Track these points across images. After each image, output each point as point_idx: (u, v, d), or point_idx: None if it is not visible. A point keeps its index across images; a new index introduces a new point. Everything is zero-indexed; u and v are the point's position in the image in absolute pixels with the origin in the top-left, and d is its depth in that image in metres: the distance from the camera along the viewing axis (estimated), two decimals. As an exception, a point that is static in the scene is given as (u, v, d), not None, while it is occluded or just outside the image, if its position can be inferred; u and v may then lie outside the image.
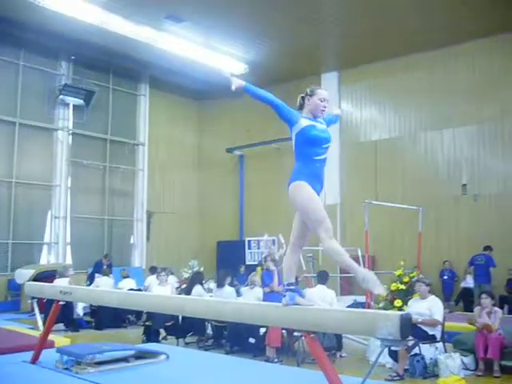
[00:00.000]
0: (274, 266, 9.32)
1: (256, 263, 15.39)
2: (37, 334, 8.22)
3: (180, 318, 9.27)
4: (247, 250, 16.84)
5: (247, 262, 16.00)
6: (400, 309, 7.84)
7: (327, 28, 13.98)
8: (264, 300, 8.61)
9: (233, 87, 4.11)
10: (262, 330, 8.51)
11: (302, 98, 4.33)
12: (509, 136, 13.77)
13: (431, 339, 7.47)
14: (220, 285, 9.67)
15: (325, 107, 4.18)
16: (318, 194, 3.94)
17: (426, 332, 7.42)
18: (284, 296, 3.85)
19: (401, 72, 15.35)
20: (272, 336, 8.18)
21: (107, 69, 17.02)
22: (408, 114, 15.43)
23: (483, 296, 7.85)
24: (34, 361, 6.09)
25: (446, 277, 13.96)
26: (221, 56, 15.39)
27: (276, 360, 8.11)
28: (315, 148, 4.00)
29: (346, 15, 13.18)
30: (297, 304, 3.75)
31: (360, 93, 16.32)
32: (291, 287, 3.88)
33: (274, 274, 9.33)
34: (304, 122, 4.05)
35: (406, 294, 8.18)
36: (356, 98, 16.41)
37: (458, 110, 14.47)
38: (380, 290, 3.54)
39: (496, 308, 7.86)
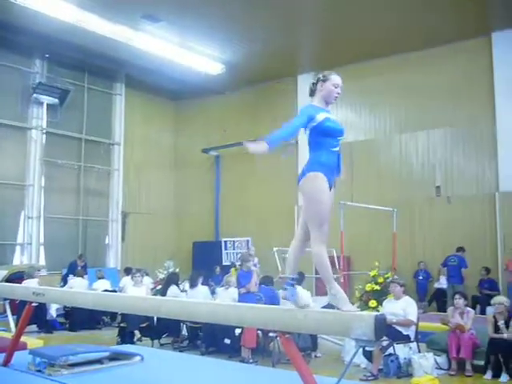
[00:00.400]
0: (252, 267, 9.35)
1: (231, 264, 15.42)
2: (9, 335, 8.09)
3: (155, 319, 9.23)
4: (223, 251, 16.82)
5: (224, 263, 15.99)
6: (375, 309, 7.91)
7: (303, 29, 14.05)
8: (239, 301, 8.62)
9: (250, 150, 3.69)
10: (238, 331, 8.52)
11: (314, 83, 4.11)
12: (482, 138, 13.98)
13: (405, 339, 7.56)
14: (193, 285, 9.67)
15: (338, 93, 4.06)
16: (331, 187, 3.86)
17: (400, 332, 7.50)
18: (285, 289, 3.74)
19: (376, 74, 15.47)
20: (247, 337, 8.19)
21: (82, 67, 16.84)
22: (383, 115, 15.58)
23: (456, 296, 7.97)
24: (6, 363, 5.99)
25: (420, 277, 14.11)
26: (197, 56, 15.34)
27: (251, 360, 8.11)
28: (331, 140, 3.93)
29: (323, 17, 13.24)
30: (295, 302, 3.66)
31: (336, 94, 16.39)
32: (293, 282, 3.75)
33: (251, 274, 9.35)
34: (320, 116, 3.88)
35: (381, 295, 8.26)
36: (332, 100, 16.48)
37: (432, 112, 14.65)
38: (349, 307, 3.52)
39: (468, 308, 8.00)
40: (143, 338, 9.39)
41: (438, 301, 13.56)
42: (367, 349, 7.10)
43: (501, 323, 7.28)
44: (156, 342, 9.45)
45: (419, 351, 7.63)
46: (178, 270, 12.72)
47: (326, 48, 14.95)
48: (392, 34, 13.78)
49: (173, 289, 9.76)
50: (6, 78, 15.18)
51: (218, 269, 14.95)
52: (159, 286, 11.21)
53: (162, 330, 9.46)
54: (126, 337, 9.46)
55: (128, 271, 12.93)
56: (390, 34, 13.78)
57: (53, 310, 11.47)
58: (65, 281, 13.12)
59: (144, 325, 9.40)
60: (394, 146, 15.32)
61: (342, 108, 16.24)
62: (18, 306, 9.49)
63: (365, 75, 15.65)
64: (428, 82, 14.71)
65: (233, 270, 13.77)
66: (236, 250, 16.14)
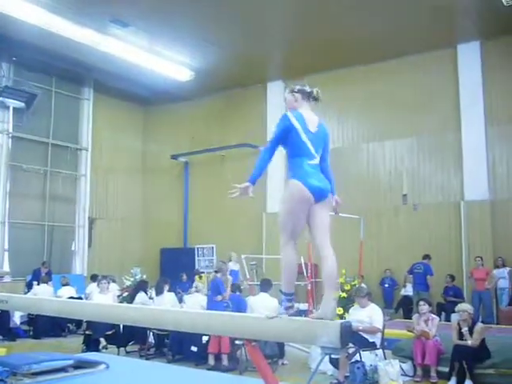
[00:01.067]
0: (229, 276, 9.36)
1: (205, 270, 15.38)
2: (-30, 344, 7.93)
3: (121, 326, 9.13)
4: (196, 258, 16.77)
5: (200, 270, 15.94)
6: (341, 317, 7.96)
7: (273, 37, 14.13)
8: (208, 308, 8.59)
9: (238, 194, 3.91)
10: (205, 339, 8.49)
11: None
12: (447, 147, 14.24)
13: (371, 346, 7.62)
14: (159, 292, 9.60)
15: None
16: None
17: (366, 339, 7.56)
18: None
19: (344, 83, 15.63)
20: (212, 342, 8.20)
21: (50, 71, 16.59)
22: (351, 124, 15.75)
23: (421, 303, 8.08)
24: (-34, 372, 5.85)
25: (386, 285, 14.26)
26: (166, 62, 15.28)
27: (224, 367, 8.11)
28: None
29: (291, 25, 13.35)
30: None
31: (305, 103, 16.50)
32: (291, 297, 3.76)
33: (226, 283, 9.36)
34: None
35: (347, 302, 8.32)
36: (301, 108, 16.59)
37: (399, 121, 14.89)
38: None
39: (433, 315, 8.11)
40: (109, 346, 9.28)
41: (404, 308, 13.70)
42: (334, 356, 7.14)
43: (464, 330, 7.40)
44: (122, 349, 9.35)
45: (385, 358, 7.71)
46: (145, 276, 12.64)
47: (294, 56, 15.06)
48: (358, 44, 13.96)
49: (141, 295, 9.69)
50: (-29, 81, 14.89)
51: (184, 276, 14.87)
52: (126, 293, 11.11)
53: (128, 337, 9.37)
54: (91, 344, 9.33)
55: (94, 278, 12.77)
56: (356, 44, 13.95)
57: (16, 318, 11.27)
58: (29, 288, 12.89)
59: (110, 332, 9.29)
60: (362, 154, 15.49)
61: (311, 116, 16.34)
62: (-20, 314, 9.31)
63: (332, 84, 15.76)
64: (395, 91, 14.94)
65: (197, 277, 13.76)
66: (205, 257, 16.09)
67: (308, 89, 4.03)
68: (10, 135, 15.73)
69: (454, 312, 9.76)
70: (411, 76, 14.79)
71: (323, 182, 3.82)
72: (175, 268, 15.56)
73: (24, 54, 15.36)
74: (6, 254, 15.46)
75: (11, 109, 15.62)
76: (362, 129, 15.59)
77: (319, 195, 3.76)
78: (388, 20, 12.79)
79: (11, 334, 10.86)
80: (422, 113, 14.53)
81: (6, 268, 15.12)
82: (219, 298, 9.14)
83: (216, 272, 9.59)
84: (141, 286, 10.17)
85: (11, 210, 15.55)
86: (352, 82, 15.57)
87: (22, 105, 15.53)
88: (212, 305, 8.87)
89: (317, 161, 3.85)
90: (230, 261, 12.98)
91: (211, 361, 8.31)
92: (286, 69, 16.16)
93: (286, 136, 3.85)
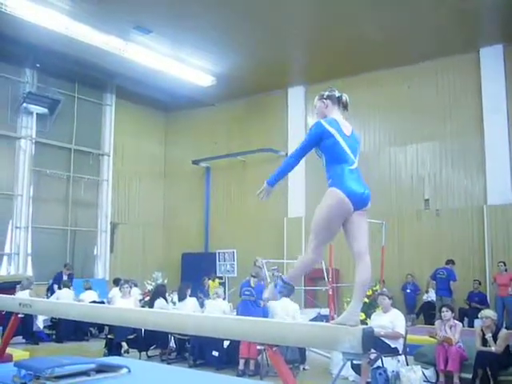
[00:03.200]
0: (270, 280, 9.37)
1: (225, 275, 15.38)
2: (-6, 347, 8.01)
3: (143, 330, 9.17)
4: (217, 262, 16.77)
5: (218, 274, 15.93)
6: (363, 322, 7.90)
7: (294, 42, 14.14)
8: (250, 313, 8.49)
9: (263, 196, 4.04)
10: (226, 343, 8.49)
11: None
12: (470, 151, 14.09)
13: (393, 352, 7.55)
14: (182, 297, 9.62)
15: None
16: None
17: (388, 345, 7.50)
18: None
19: (366, 87, 15.56)
20: (243, 347, 8.20)
21: (73, 78, 16.81)
22: (373, 129, 15.66)
23: (443, 309, 8.00)
24: (-9, 375, 5.92)
25: (408, 290, 14.13)
26: (188, 68, 15.37)
27: (251, 373, 8.11)
28: None
29: (313, 30, 13.33)
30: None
31: (326, 107, 16.46)
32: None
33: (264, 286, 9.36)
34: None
35: (369, 308, 8.26)
36: (322, 113, 16.55)
37: (421, 126, 14.76)
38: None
39: (456, 321, 8.02)
40: (131, 350, 9.32)
41: (426, 313, 13.57)
42: (355, 362, 7.09)
43: (488, 336, 7.30)
44: (143, 353, 9.39)
45: (407, 364, 7.63)
46: (166, 281, 12.69)
47: (315, 61, 15.05)
48: (382, 48, 13.89)
49: (160, 301, 9.72)
50: (-4, 88, 15.14)
51: (205, 280, 14.90)
52: (147, 298, 11.16)
53: (149, 341, 9.40)
54: (113, 348, 9.39)
55: (117, 282, 12.85)
56: (379, 48, 13.88)
57: (39, 321, 11.37)
58: (51, 292, 13.01)
59: (132, 336, 9.34)
60: (384, 158, 15.39)
61: (332, 121, 16.29)
62: (3, 317, 9.39)
63: (354, 88, 15.67)
64: (417, 96, 14.84)
65: (210, 282, 13.77)
66: (226, 262, 16.08)
67: (337, 93, 3.99)
68: (34, 141, 15.95)
69: (476, 318, 9.67)
70: (434, 80, 14.68)
71: (365, 189, 3.74)
72: (196, 273, 15.59)
73: (48, 60, 15.58)
74: (30, 258, 15.67)
75: (35, 115, 15.85)
76: (384, 133, 15.49)
77: (361, 203, 3.70)
78: (410, 23, 12.71)
79: (34, 338, 10.97)
80: (445, 117, 14.41)
81: (30, 272, 15.30)
82: (262, 303, 9.16)
83: (253, 277, 9.57)
84: (159, 292, 10.19)
85: (34, 215, 15.75)
86: (374, 87, 15.49)
87: (46, 111, 15.76)
88: (252, 310, 8.81)
89: (356, 165, 3.78)
90: (255, 265, 12.98)
91: (241, 365, 8.31)
92: (307, 74, 16.15)
93: (322, 143, 3.76)
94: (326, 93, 3.99)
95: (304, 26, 13.16)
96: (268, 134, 17.18)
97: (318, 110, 3.98)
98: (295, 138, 16.67)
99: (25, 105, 15.42)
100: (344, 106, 3.96)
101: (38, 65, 15.82)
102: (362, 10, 12.20)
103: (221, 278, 14.98)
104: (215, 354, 8.59)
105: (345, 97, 3.97)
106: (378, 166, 15.40)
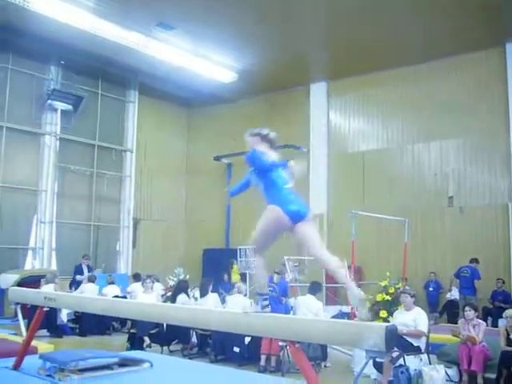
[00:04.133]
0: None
1: (244, 271, 15.41)
2: (19, 339, 8.13)
3: (165, 325, 9.23)
4: (238, 258, 16.78)
5: (239, 271, 15.98)
6: (385, 320, 7.85)
7: (316, 39, 14.08)
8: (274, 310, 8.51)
9: None
10: (247, 339, 8.50)
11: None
12: (495, 148, 13.91)
13: (416, 350, 7.49)
14: (203, 293, 9.65)
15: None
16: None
17: (410, 343, 7.43)
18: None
19: (389, 84, 15.46)
20: (265, 343, 8.21)
21: (96, 74, 16.97)
22: (396, 125, 15.53)
23: (467, 308, 7.90)
24: (16, 367, 6.01)
25: (431, 288, 14.02)
26: (210, 64, 15.41)
27: (273, 369, 8.12)
28: None
29: (335, 26, 13.27)
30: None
31: (348, 104, 16.40)
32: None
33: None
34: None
35: (392, 305, 8.19)
36: (344, 109, 16.50)
37: (445, 122, 14.59)
38: None
39: (480, 320, 7.92)
40: (153, 345, 9.38)
41: (449, 312, 13.44)
42: (378, 359, 7.05)
43: (513, 336, 7.21)
44: (165, 348, 9.45)
45: (430, 363, 7.56)
46: (188, 276, 12.75)
47: (337, 58, 14.97)
48: (405, 44, 13.76)
49: (182, 297, 9.76)
50: (22, 85, 15.33)
51: (226, 276, 14.97)
52: (169, 293, 11.23)
53: (171, 336, 9.45)
54: (135, 343, 9.46)
55: (137, 277, 12.93)
56: (403, 44, 13.76)
57: (63, 315, 11.50)
58: (76, 285, 13.14)
59: (154, 331, 9.40)
60: (407, 155, 15.26)
61: (355, 117, 16.24)
62: (29, 311, 9.53)
63: (378, 85, 15.66)
64: (441, 91, 14.69)
65: (235, 267, 13.84)
66: (247, 258, 16.08)
67: (265, 132, 4.51)
68: (58, 137, 16.14)
69: (500, 317, 9.55)
70: (458, 76, 14.50)
71: (301, 206, 4.17)
72: (217, 268, 15.64)
73: (71, 57, 15.77)
74: (54, 252, 15.88)
75: (59, 111, 16.05)
76: (407, 130, 15.35)
77: (298, 217, 4.09)
78: (434, 20, 12.57)
79: (58, 331, 11.10)
80: (469, 113, 14.22)
81: (54, 266, 15.51)
82: (284, 300, 9.17)
83: (277, 273, 9.56)
84: (181, 287, 10.23)
85: (58, 210, 15.95)
86: (397, 83, 15.36)
87: (70, 107, 15.93)
88: (275, 307, 8.82)
89: (290, 185, 4.26)
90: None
91: (262, 361, 8.32)
92: (329, 70, 16.08)
93: (258, 168, 4.38)
94: (255, 131, 4.56)
95: (327, 22, 13.12)
96: (289, 130, 17.10)
97: (249, 144, 4.59)
98: (317, 135, 16.64)
99: (49, 101, 15.61)
100: (270, 142, 4.50)
101: (62, 62, 16.01)
102: (386, 6, 12.10)
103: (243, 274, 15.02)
104: (236, 349, 8.61)
105: (272, 134, 4.49)
106: (401, 163, 15.29)
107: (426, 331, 7.59)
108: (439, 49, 13.98)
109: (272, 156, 4.36)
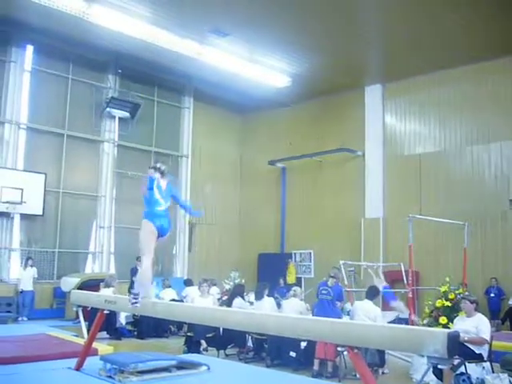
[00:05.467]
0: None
1: (300, 276, 15.41)
2: (81, 341, 8.35)
3: (221, 329, 9.28)
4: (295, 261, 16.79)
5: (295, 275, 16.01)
6: (445, 326, 7.66)
7: (371, 41, 13.91)
8: (327, 314, 8.45)
9: None
10: (303, 344, 8.45)
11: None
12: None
13: (478, 358, 7.26)
14: (258, 297, 9.65)
15: None
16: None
17: (472, 351, 7.21)
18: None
19: (446, 84, 15.11)
20: (319, 348, 8.15)
21: (152, 82, 17.33)
22: (453, 127, 15.15)
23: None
24: (78, 368, 6.19)
25: (492, 294, 13.58)
26: (264, 69, 15.46)
27: (329, 374, 8.04)
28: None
29: (390, 28, 13.09)
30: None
31: (404, 106, 16.13)
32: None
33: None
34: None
35: (452, 312, 7.98)
36: (400, 111, 16.23)
37: (505, 123, 14.14)
38: None
39: (546, 328, 7.61)
40: (209, 348, 9.45)
41: (511, 319, 12.99)
42: (439, 366, 6.87)
43: None
44: (221, 352, 9.50)
45: (493, 371, 7.31)
46: (243, 281, 12.80)
47: (393, 59, 14.77)
48: (461, 43, 13.43)
49: (238, 301, 9.80)
50: (82, 93, 15.84)
51: (281, 281, 14.98)
52: (225, 297, 11.29)
53: (227, 340, 9.49)
54: (192, 346, 9.55)
55: (188, 283, 13.00)
56: (459, 43, 13.44)
57: (122, 318, 11.74)
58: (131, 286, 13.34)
59: (210, 335, 9.46)
60: (465, 157, 14.86)
61: (411, 119, 15.95)
62: (89, 313, 9.78)
63: (434, 86, 15.33)
64: (501, 91, 14.24)
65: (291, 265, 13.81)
66: (303, 263, 16.06)
67: (158, 165, 5.95)
68: (116, 144, 16.55)
69: None
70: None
71: (165, 223, 5.73)
72: (272, 273, 15.67)
73: (128, 65, 16.18)
74: (112, 257, 16.26)
75: (117, 119, 16.46)
76: (465, 131, 14.93)
77: (162, 231, 5.69)
78: (493, 18, 12.21)
79: (117, 334, 11.34)
80: (531, 113, 13.74)
81: (113, 270, 15.87)
82: (339, 304, 9.11)
83: (332, 277, 9.51)
84: (237, 291, 10.27)
85: (117, 215, 16.33)
86: (454, 83, 14.99)
87: (127, 114, 16.33)
88: (329, 310, 8.77)
89: (164, 207, 5.77)
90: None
91: (316, 366, 8.25)
92: (384, 72, 15.87)
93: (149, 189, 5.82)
94: (152, 165, 6.02)
95: (381, 23, 12.95)
96: (344, 133, 17.00)
97: (149, 174, 5.92)
98: (372, 138, 16.43)
99: (108, 109, 16.04)
100: (161, 173, 5.89)
101: (119, 70, 16.42)
102: (443, 5, 11.84)
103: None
104: (293, 354, 8.56)
105: (163, 167, 5.94)
106: (459, 165, 14.89)
107: (488, 338, 7.35)
108: (499, 47, 13.52)
109: (163, 182, 5.87)
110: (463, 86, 14.90)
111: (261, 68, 15.41)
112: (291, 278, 15.96)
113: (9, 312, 13.22)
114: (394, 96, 16.30)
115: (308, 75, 15.87)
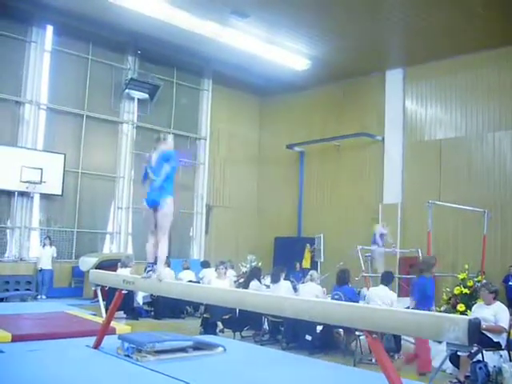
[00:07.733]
0: None
1: (317, 260, 15.41)
2: (99, 320, 8.44)
3: (237, 311, 9.31)
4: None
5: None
6: (463, 313, 7.61)
7: (392, 24, 13.69)
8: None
9: None
10: (319, 328, 8.46)
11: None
12: None
13: (495, 346, 7.21)
14: (275, 280, 9.65)
15: None
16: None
17: (490, 339, 7.16)
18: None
19: (468, 69, 14.88)
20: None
21: (172, 63, 17.29)
22: (475, 112, 14.93)
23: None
24: (97, 346, 6.26)
25: (511, 283, 13.47)
26: (284, 51, 15.34)
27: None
28: None
29: (412, 11, 12.88)
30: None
31: (425, 90, 15.92)
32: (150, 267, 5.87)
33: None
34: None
35: (470, 299, 7.93)
36: (421, 96, 16.02)
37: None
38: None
39: None
40: (225, 330, 9.50)
41: (530, 308, 12.87)
42: (457, 353, 6.83)
43: None
44: (237, 334, 9.55)
45: (510, 360, 7.26)
46: (260, 264, 12.83)
47: (415, 43, 14.56)
48: (485, 27, 13.18)
49: (254, 283, 9.81)
50: (101, 74, 15.84)
51: (297, 265, 15.00)
52: (241, 280, 11.32)
53: (243, 322, 9.53)
54: (208, 327, 9.60)
55: (205, 264, 13.08)
56: (482, 27, 13.18)
57: (139, 298, 11.83)
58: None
59: (227, 316, 9.50)
60: (487, 144, 14.65)
61: (432, 104, 15.75)
62: (107, 293, 9.87)
63: (456, 70, 15.10)
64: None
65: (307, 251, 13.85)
66: (319, 247, 16.02)
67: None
68: (135, 125, 16.58)
69: None
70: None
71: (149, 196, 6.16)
72: (288, 257, 15.67)
73: (148, 47, 16.14)
74: (130, 237, 16.38)
75: (136, 100, 16.47)
76: (487, 117, 14.71)
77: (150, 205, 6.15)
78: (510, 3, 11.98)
79: (134, 313, 11.43)
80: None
81: (130, 251, 15.99)
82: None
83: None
84: (254, 274, 10.28)
85: (135, 196, 16.38)
86: (477, 68, 14.75)
87: (146, 96, 16.32)
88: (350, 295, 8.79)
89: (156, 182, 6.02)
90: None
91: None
92: (405, 56, 15.67)
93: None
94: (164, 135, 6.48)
95: (403, 6, 12.74)
96: (364, 118, 16.85)
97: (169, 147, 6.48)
98: (393, 122, 16.28)
99: (127, 90, 16.04)
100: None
101: (139, 51, 16.38)
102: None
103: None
104: (308, 338, 8.57)
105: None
106: (481, 152, 14.70)
107: (506, 327, 7.29)
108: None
109: (154, 156, 6.23)
110: (485, 71, 14.65)
111: (280, 50, 15.29)
112: (306, 263, 15.97)
113: (28, 290, 13.41)
114: (415, 80, 16.09)
115: (328, 58, 15.72)
